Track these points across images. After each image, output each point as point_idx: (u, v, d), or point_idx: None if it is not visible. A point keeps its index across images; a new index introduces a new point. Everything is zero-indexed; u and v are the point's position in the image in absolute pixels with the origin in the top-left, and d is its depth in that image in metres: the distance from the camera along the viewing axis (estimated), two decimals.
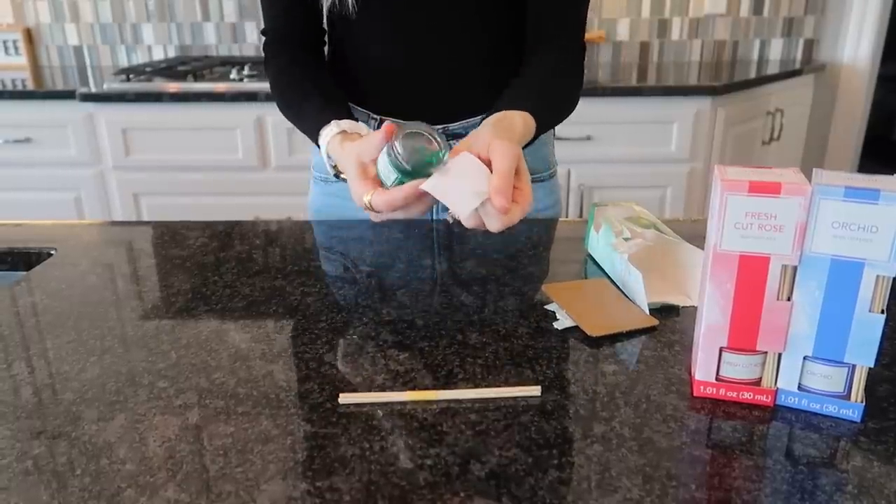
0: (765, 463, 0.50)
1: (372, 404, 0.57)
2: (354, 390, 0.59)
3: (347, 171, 0.73)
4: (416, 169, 0.64)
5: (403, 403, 0.57)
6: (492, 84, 0.97)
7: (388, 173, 0.67)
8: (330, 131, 0.81)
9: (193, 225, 0.98)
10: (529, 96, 0.84)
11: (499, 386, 0.59)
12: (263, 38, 1.00)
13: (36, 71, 2.55)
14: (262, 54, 1.00)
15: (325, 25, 0.99)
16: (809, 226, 0.51)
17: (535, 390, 0.58)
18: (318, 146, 0.84)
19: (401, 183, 0.66)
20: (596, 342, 0.66)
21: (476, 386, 0.60)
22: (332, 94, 0.94)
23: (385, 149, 0.66)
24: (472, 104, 0.96)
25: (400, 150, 0.64)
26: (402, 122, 0.70)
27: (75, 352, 0.66)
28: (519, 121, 0.76)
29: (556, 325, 0.69)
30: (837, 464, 0.50)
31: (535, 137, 0.80)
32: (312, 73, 0.96)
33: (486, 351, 0.65)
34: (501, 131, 0.71)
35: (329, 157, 0.82)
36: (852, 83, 2.64)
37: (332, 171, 0.84)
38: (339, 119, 0.83)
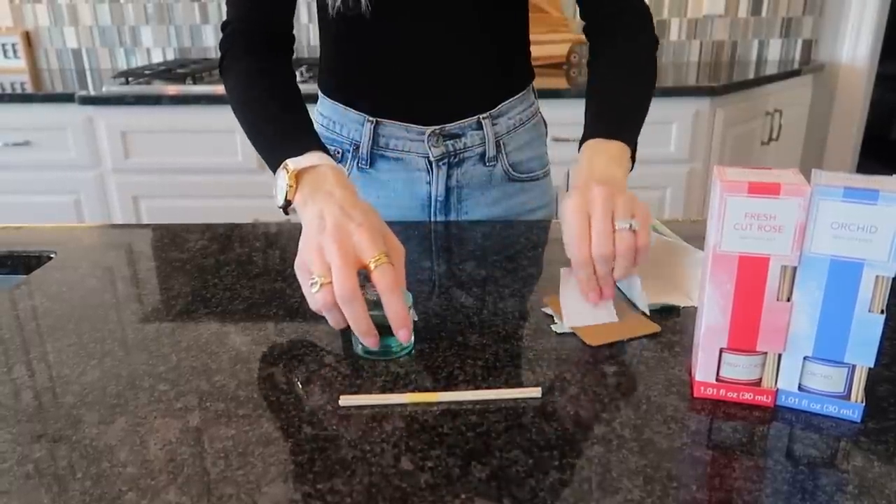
0: (765, 463, 0.50)
1: (372, 406, 0.57)
2: (355, 392, 0.59)
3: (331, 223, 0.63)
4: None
5: (404, 405, 0.57)
6: (488, 86, 0.97)
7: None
8: (319, 157, 0.72)
9: (193, 227, 0.98)
10: (599, 120, 0.82)
11: (499, 388, 0.59)
12: (223, 32, 0.88)
13: (35, 74, 2.55)
14: (219, 47, 0.88)
15: (294, 20, 0.91)
16: (809, 226, 0.51)
17: (535, 392, 0.58)
18: (277, 169, 0.72)
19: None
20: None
21: (476, 387, 0.60)
22: (302, 116, 0.81)
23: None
24: (469, 106, 0.97)
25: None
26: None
27: (76, 355, 0.66)
28: (599, 161, 0.76)
29: (554, 328, 0.69)
30: (838, 464, 0.50)
31: (628, 139, 0.80)
32: (290, 88, 0.84)
33: (487, 352, 0.65)
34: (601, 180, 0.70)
35: (289, 186, 0.70)
36: (851, 83, 2.65)
37: (281, 200, 0.71)
38: (314, 149, 0.73)
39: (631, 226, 0.66)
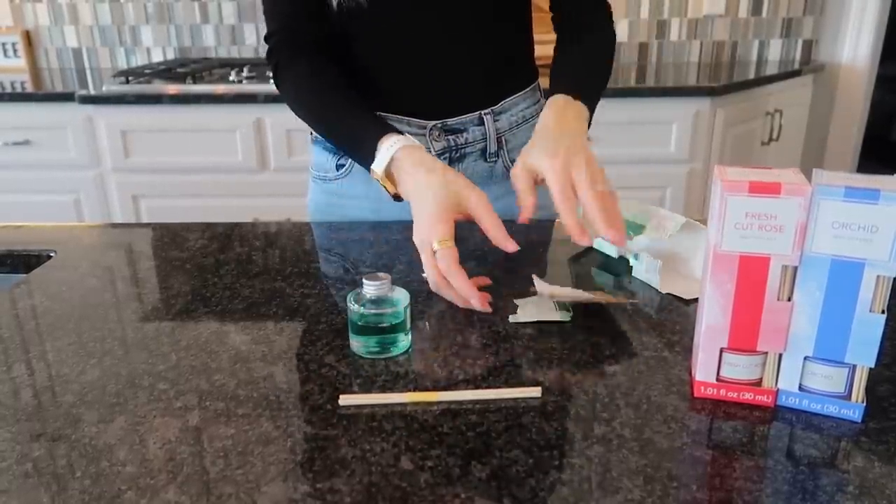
0: (766, 463, 0.50)
1: (372, 406, 0.57)
2: (354, 392, 0.59)
3: (425, 199, 0.74)
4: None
5: (404, 405, 0.57)
6: (491, 82, 0.97)
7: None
8: (393, 145, 0.79)
9: (193, 227, 0.98)
10: (570, 81, 0.89)
11: (499, 387, 0.59)
12: (267, 44, 0.93)
13: (35, 73, 2.55)
14: (266, 59, 0.94)
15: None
16: (810, 226, 0.51)
17: (535, 391, 0.58)
18: (369, 163, 0.81)
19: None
20: (596, 343, 0.66)
21: (476, 387, 0.59)
22: (369, 108, 0.89)
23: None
24: (471, 101, 0.97)
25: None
26: None
27: (75, 354, 0.66)
28: (569, 113, 0.83)
29: (511, 318, 0.71)
30: (838, 464, 0.50)
31: (589, 105, 0.86)
32: (337, 80, 0.91)
33: (487, 352, 0.65)
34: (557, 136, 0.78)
35: (387, 172, 0.80)
36: (851, 83, 2.64)
37: (389, 189, 0.81)
38: (390, 133, 0.81)
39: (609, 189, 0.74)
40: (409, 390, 0.59)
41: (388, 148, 0.79)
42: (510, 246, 0.72)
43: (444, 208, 0.73)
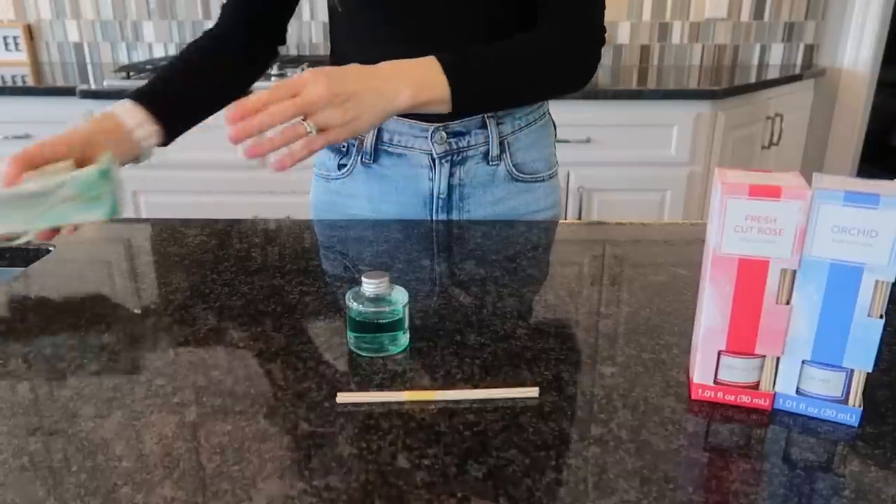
0: (762, 467, 0.50)
1: (370, 404, 0.57)
2: (352, 390, 0.59)
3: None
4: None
5: (401, 403, 0.57)
6: None
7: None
8: (120, 106, 0.84)
9: (192, 223, 0.98)
10: (464, 56, 0.79)
11: (497, 387, 0.59)
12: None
13: (36, 67, 2.54)
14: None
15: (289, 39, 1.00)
16: (809, 230, 0.51)
17: (532, 392, 0.58)
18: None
19: None
20: (594, 344, 0.66)
21: (474, 387, 0.59)
22: (176, 87, 0.91)
23: None
24: None
25: None
26: None
27: (73, 348, 0.66)
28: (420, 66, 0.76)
29: None
30: (835, 468, 0.50)
31: (459, 99, 0.76)
32: (225, 60, 0.94)
33: (485, 352, 0.65)
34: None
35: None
36: (852, 88, 2.65)
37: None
38: (133, 102, 0.85)
39: (310, 132, 0.69)
40: (407, 389, 0.59)
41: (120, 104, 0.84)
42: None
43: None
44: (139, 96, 0.86)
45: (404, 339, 0.66)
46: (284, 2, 0.99)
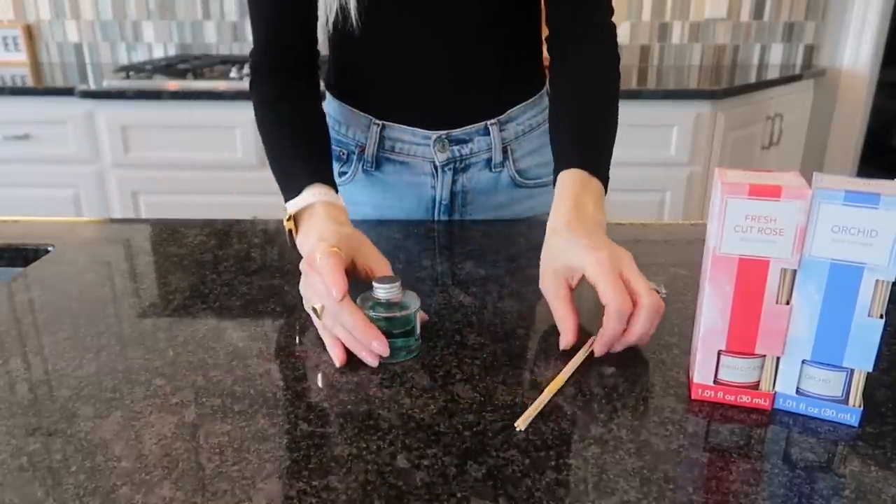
0: (762, 467, 0.50)
1: (369, 403, 0.57)
2: (352, 389, 0.59)
3: (322, 257, 0.64)
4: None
5: (401, 403, 0.57)
6: (497, 92, 0.96)
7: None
8: (316, 195, 0.74)
9: (192, 223, 0.98)
10: (579, 150, 0.78)
11: (496, 387, 0.59)
12: (251, 57, 0.90)
13: (36, 67, 2.54)
14: (249, 67, 0.90)
15: (319, 43, 0.90)
16: (809, 229, 0.51)
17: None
18: (288, 198, 0.76)
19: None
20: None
21: (474, 387, 0.59)
22: (319, 148, 0.84)
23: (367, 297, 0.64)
24: (476, 112, 0.95)
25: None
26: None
27: (72, 349, 0.66)
28: (587, 200, 0.72)
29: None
30: (835, 468, 0.50)
31: (605, 176, 0.77)
32: (302, 115, 0.86)
33: (485, 352, 0.65)
34: (582, 237, 0.67)
35: (291, 220, 0.74)
36: (852, 88, 2.65)
37: (293, 234, 0.74)
38: (322, 182, 0.76)
39: (658, 291, 0.64)
40: (406, 388, 0.59)
41: (313, 195, 0.74)
42: (376, 346, 0.61)
43: (338, 243, 0.67)
44: (316, 178, 0.77)
45: (416, 345, 0.65)
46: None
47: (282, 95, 0.87)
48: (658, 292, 0.64)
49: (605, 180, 0.77)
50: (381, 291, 0.62)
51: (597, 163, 0.77)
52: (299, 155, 0.81)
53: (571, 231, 0.68)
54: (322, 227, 0.70)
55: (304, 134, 0.84)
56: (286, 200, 0.76)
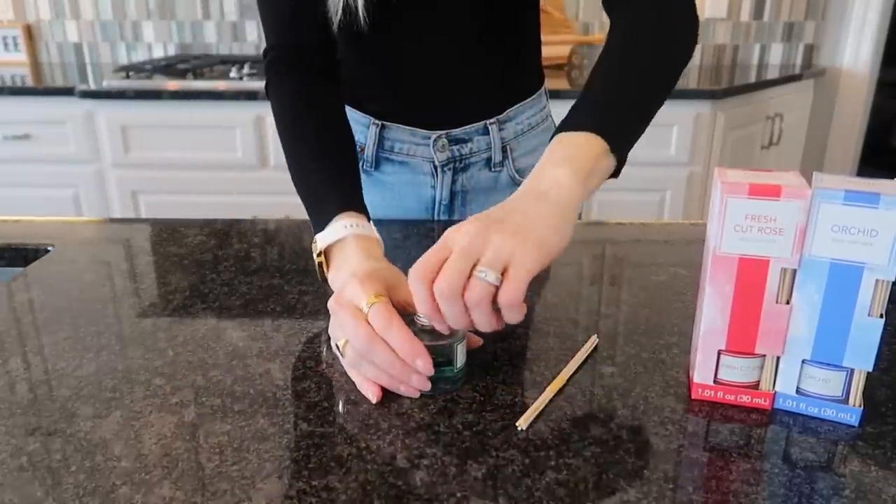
0: (762, 466, 0.50)
1: (369, 403, 0.57)
2: (351, 389, 0.59)
3: (373, 313, 0.58)
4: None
5: (400, 403, 0.57)
6: (497, 92, 0.96)
7: None
8: (349, 227, 0.68)
9: (191, 223, 0.98)
10: (594, 108, 0.65)
11: (496, 386, 0.59)
12: (265, 57, 0.86)
13: (36, 67, 2.54)
14: (265, 72, 0.86)
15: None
16: (809, 229, 0.51)
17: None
18: (318, 228, 0.70)
19: None
20: (595, 344, 0.66)
21: (474, 386, 0.59)
22: (346, 160, 0.79)
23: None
24: (476, 111, 0.95)
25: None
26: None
27: (72, 348, 0.66)
28: (551, 167, 0.60)
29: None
30: (835, 468, 0.50)
31: (623, 148, 0.63)
32: (325, 120, 0.81)
33: (484, 351, 0.65)
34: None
35: (319, 247, 0.68)
36: (852, 88, 2.65)
37: (323, 269, 0.69)
38: (353, 209, 0.71)
39: (489, 279, 0.52)
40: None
41: (345, 227, 0.68)
42: (419, 364, 0.55)
43: (370, 276, 0.61)
44: (347, 205, 0.71)
45: (461, 374, 0.59)
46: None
47: (302, 96, 0.82)
48: (486, 280, 0.53)
49: (616, 144, 0.62)
50: (424, 317, 0.56)
51: (590, 118, 0.63)
52: (327, 174, 0.76)
53: (501, 206, 0.59)
54: (354, 263, 0.65)
55: (331, 144, 0.79)
56: (315, 229, 0.71)
